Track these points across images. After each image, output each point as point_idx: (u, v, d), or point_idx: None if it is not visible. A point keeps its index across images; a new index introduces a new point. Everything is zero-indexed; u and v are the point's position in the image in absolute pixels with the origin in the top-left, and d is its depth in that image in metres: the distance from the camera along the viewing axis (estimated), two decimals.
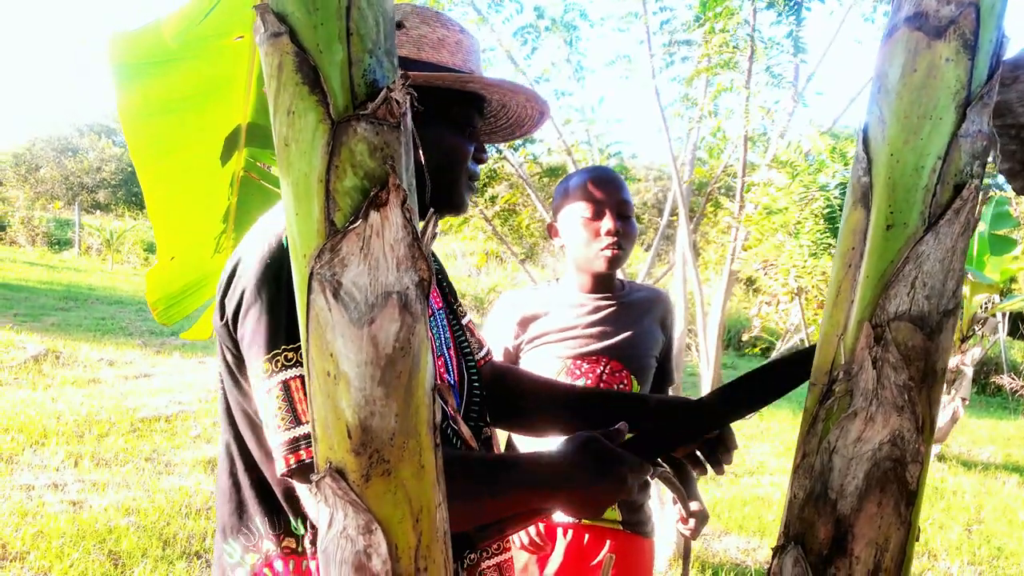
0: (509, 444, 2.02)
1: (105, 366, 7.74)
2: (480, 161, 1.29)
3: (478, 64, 1.27)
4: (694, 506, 1.92)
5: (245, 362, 1.05)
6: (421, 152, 1.13)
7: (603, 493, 1.08)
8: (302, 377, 0.98)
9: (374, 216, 0.76)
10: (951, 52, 0.99)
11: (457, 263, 16.02)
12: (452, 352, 1.31)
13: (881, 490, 1.01)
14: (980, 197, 1.03)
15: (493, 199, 4.39)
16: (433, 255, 1.45)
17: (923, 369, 1.00)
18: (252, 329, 1.01)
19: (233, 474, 1.14)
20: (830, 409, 1.05)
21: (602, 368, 1.92)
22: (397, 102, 0.78)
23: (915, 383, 1.00)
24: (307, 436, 0.97)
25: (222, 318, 1.08)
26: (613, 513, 1.93)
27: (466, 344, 1.37)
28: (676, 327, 4.24)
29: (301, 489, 1.03)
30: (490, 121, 1.38)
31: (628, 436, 1.21)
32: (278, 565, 1.10)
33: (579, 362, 1.91)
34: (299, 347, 0.98)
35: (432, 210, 0.92)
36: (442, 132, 1.20)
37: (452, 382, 1.26)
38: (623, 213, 1.89)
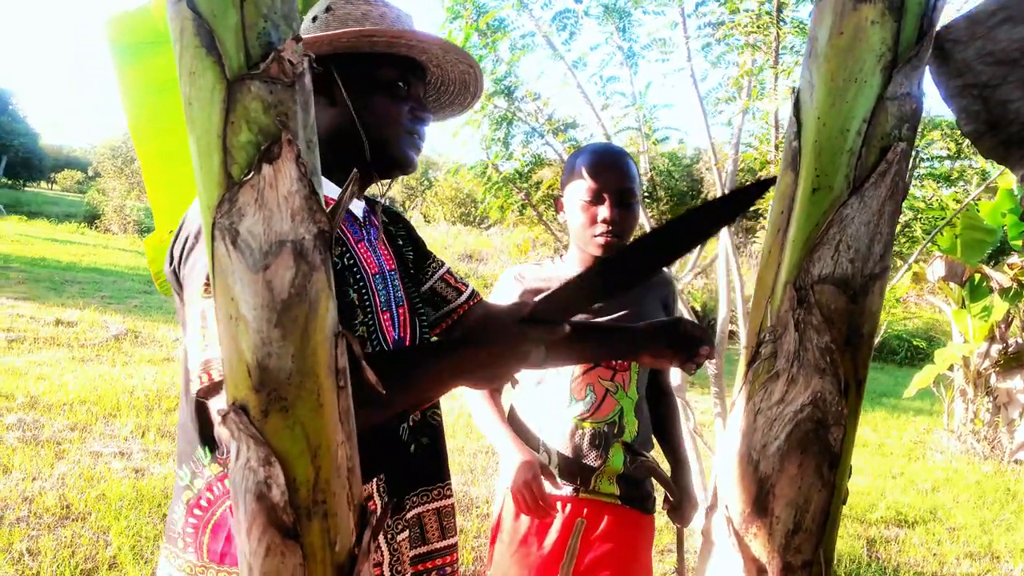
0: (511, 412, 2.06)
1: (179, 346, 8.08)
2: (420, 119, 1.33)
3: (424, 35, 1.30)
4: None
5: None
6: (356, 119, 1.26)
7: (501, 365, 1.16)
8: None
9: (267, 169, 0.81)
10: (876, 14, 0.98)
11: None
12: (404, 310, 1.37)
13: (802, 451, 1.01)
14: (909, 159, 1.02)
15: (539, 184, 4.42)
16: (401, 219, 1.51)
17: (846, 332, 1.01)
18: (193, 261, 1.10)
19: (188, 411, 1.24)
20: (756, 371, 1.05)
21: None
22: (290, 62, 0.83)
23: (838, 345, 1.00)
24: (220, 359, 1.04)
25: (171, 264, 1.17)
26: (612, 487, 1.95)
27: (419, 303, 1.44)
28: (719, 315, 4.20)
29: (211, 410, 1.10)
30: (440, 91, 1.47)
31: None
32: (217, 487, 1.21)
33: None
34: None
35: (355, 170, 0.97)
36: (369, 96, 1.28)
37: (397, 336, 1.32)
38: (623, 200, 1.88)
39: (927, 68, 1.04)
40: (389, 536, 1.27)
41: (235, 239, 0.82)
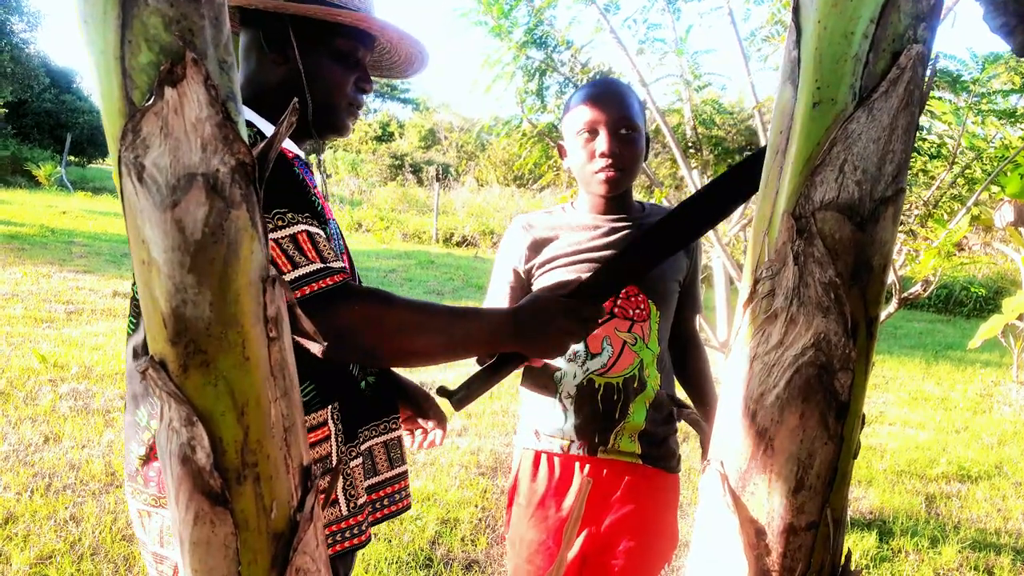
0: (525, 371, 1.96)
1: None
2: (364, 91, 1.42)
3: (368, 1, 1.40)
4: None
5: None
6: (304, 79, 1.34)
7: (552, 339, 1.33)
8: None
9: (170, 93, 0.73)
10: None
11: None
12: (346, 256, 1.45)
13: (804, 400, 0.90)
14: (927, 65, 0.89)
15: None
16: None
17: (853, 264, 0.88)
18: None
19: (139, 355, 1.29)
20: (753, 313, 0.94)
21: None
22: None
23: (843, 280, 0.88)
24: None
25: None
26: (632, 445, 1.84)
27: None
28: None
29: None
30: (385, 57, 1.56)
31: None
32: None
33: None
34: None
35: (294, 99, 0.88)
36: (321, 61, 1.35)
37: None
38: (621, 131, 1.76)
39: None
40: (343, 463, 1.36)
41: (140, 174, 0.74)
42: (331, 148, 32.96)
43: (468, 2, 3.86)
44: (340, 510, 1.36)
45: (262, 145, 0.82)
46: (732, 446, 0.95)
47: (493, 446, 4.74)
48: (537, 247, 1.88)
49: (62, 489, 3.60)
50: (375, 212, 19.42)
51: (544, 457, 1.87)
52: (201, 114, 0.74)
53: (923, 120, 3.37)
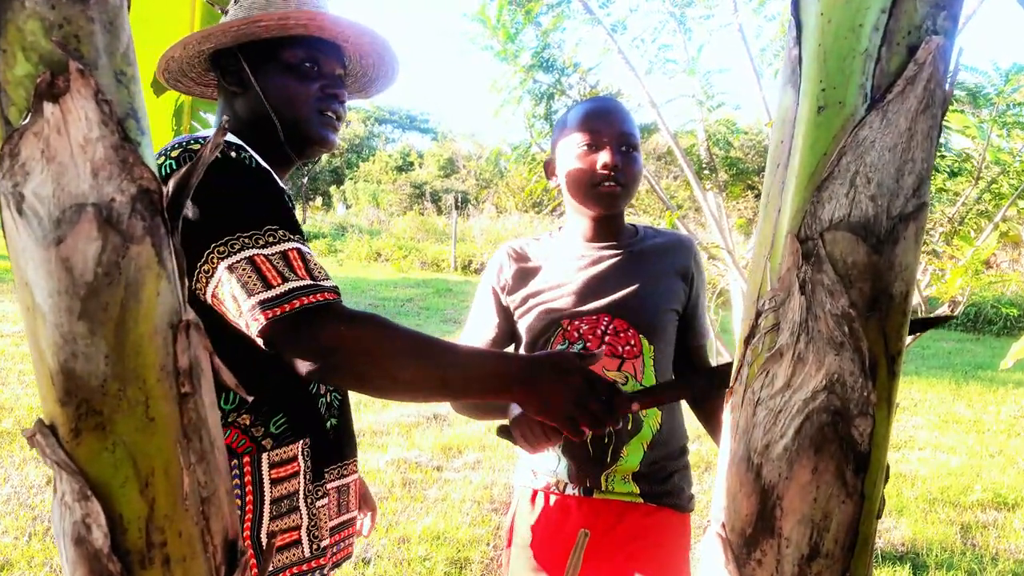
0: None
1: None
2: (333, 97, 1.37)
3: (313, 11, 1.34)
4: None
5: None
6: (266, 100, 1.32)
7: (564, 399, 1.17)
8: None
9: (51, 109, 0.62)
10: None
11: None
12: None
13: (816, 452, 0.77)
14: (949, 60, 0.76)
15: None
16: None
17: (869, 292, 0.76)
18: None
19: None
20: (755, 350, 0.81)
21: (604, 328, 1.67)
22: None
23: (859, 311, 0.76)
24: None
25: None
26: (627, 487, 1.69)
27: None
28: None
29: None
30: (362, 70, 1.55)
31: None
32: None
33: (576, 322, 1.68)
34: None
35: (225, 117, 0.79)
36: (276, 78, 1.33)
37: None
38: (624, 146, 1.65)
39: None
40: (309, 501, 1.33)
41: (20, 205, 0.63)
42: (351, 179, 33.09)
43: (475, 26, 3.78)
44: (302, 551, 1.32)
45: (183, 170, 0.71)
46: (735, 505, 0.82)
47: (507, 480, 4.59)
48: (522, 277, 1.76)
49: None
50: (393, 241, 19.41)
51: (541, 496, 1.74)
52: (91, 134, 0.63)
53: (941, 136, 3.22)
